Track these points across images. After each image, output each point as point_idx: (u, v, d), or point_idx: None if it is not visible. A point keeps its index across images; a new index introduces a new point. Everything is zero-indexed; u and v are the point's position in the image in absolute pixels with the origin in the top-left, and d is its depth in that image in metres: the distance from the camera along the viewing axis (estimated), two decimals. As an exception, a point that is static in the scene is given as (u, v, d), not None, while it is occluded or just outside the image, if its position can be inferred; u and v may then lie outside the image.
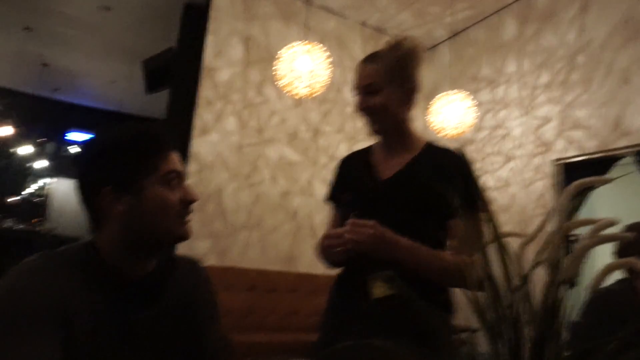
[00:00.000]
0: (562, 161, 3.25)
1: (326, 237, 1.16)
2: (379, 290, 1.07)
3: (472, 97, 3.49)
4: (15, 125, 6.62)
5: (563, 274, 0.51)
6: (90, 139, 0.91)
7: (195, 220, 3.30)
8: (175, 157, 0.88)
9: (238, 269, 3.37)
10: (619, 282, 1.57)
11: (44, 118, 7.44)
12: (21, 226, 6.34)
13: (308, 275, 3.62)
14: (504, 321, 0.51)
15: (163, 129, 0.91)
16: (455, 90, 3.27)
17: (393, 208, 1.16)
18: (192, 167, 3.37)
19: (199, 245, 3.31)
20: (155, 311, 0.88)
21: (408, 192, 1.16)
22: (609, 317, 1.29)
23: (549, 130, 3.37)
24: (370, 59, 1.24)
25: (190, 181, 3.34)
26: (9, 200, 8.99)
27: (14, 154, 8.17)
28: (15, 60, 6.31)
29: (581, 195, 0.55)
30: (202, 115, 3.46)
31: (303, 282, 3.58)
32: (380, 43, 4.30)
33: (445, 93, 3.25)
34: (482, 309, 0.53)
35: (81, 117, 7.88)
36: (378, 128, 1.25)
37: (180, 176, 0.88)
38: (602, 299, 1.46)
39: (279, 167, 3.68)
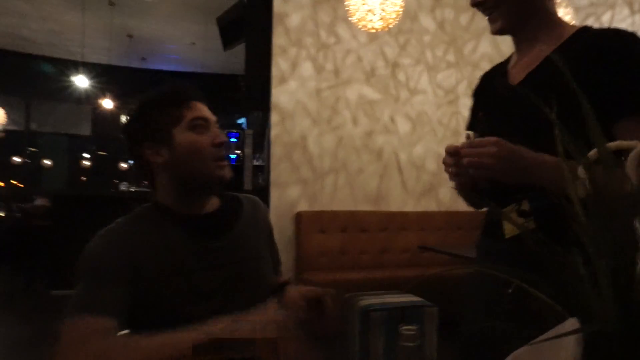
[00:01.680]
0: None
1: (443, 160, 0.90)
2: (510, 228, 0.91)
3: (567, 3, 3.07)
4: (114, 98, 7.21)
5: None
6: (132, 105, 1.02)
7: (283, 168, 3.42)
8: (200, 105, 0.97)
9: (329, 212, 3.46)
10: None
11: (136, 87, 8.00)
12: (133, 189, 7.06)
13: (397, 213, 3.61)
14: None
15: (186, 84, 1.00)
16: None
17: (528, 118, 0.88)
18: (274, 118, 3.44)
19: (290, 192, 3.43)
20: (227, 241, 0.98)
21: (545, 95, 0.78)
22: None
23: (669, 29, 2.88)
24: None
25: (273, 132, 3.42)
26: (121, 166, 9.99)
27: (119, 123, 8.97)
28: (104, 36, 6.77)
29: None
30: (279, 64, 3.46)
31: (393, 220, 3.59)
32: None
33: None
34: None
35: (168, 82, 8.34)
36: (503, 24, 0.97)
37: (207, 122, 0.96)
38: None
39: (360, 107, 3.62)
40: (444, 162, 0.89)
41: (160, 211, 0.97)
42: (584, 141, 0.48)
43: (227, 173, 0.96)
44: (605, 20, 3.30)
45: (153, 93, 0.99)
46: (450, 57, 3.79)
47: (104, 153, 10.02)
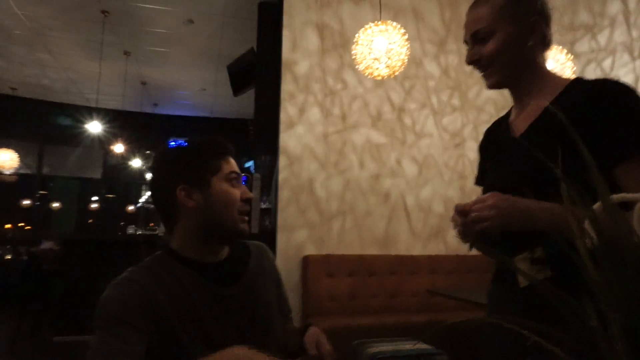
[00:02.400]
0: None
1: (454, 216, 0.96)
2: (524, 277, 0.93)
3: (567, 50, 3.16)
4: (125, 142, 7.37)
5: None
6: (164, 148, 1.06)
7: (290, 212, 3.44)
8: (233, 160, 1.04)
9: (337, 256, 3.44)
10: None
11: (148, 132, 8.19)
12: (140, 232, 7.08)
13: (406, 256, 3.58)
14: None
15: (223, 137, 1.06)
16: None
17: (533, 168, 0.91)
18: (282, 162, 3.49)
19: (297, 236, 3.42)
20: (237, 289, 1.01)
21: (548, 145, 0.86)
22: None
23: (669, 74, 2.94)
24: (478, 1, 1.06)
25: (281, 175, 3.46)
26: (129, 208, 10.06)
27: (129, 167, 9.12)
28: (119, 83, 7.02)
29: None
30: (287, 110, 3.56)
31: (401, 263, 3.54)
32: (458, 9, 4.05)
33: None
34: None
35: (179, 127, 8.54)
36: (497, 79, 1.04)
37: (239, 177, 1.03)
38: None
39: (366, 151, 3.67)
40: (453, 221, 0.94)
41: (174, 258, 0.99)
42: (588, 188, 0.50)
43: (247, 228, 1.02)
44: (606, 65, 3.38)
45: (195, 141, 1.04)
46: (455, 101, 3.88)
47: (112, 196, 10.13)
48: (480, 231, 0.88)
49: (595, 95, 0.93)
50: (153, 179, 1.04)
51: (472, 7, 1.07)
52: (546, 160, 0.56)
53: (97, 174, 9.57)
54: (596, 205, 0.52)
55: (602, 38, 3.43)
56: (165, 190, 1.00)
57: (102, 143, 7.44)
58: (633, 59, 3.19)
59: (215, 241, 1.01)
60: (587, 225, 0.50)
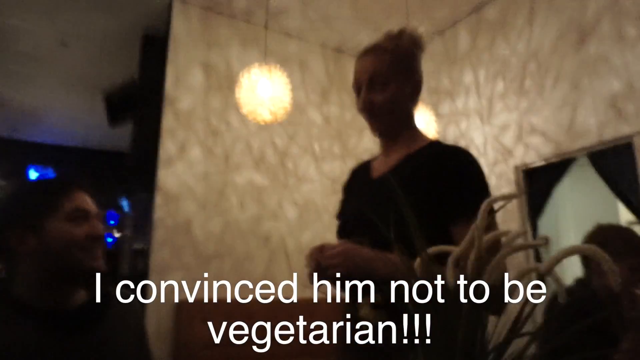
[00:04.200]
0: (524, 167, 3.34)
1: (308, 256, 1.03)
2: (367, 317, 1.00)
3: (433, 111, 3.56)
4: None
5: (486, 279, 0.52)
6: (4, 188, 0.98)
7: (165, 253, 3.23)
8: (81, 195, 0.96)
9: (213, 302, 3.29)
10: (577, 283, 1.56)
11: (3, 159, 7.19)
12: None
13: (285, 301, 3.56)
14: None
15: (73, 172, 0.98)
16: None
17: (384, 208, 0.97)
18: (159, 200, 3.30)
19: (170, 279, 3.22)
20: (90, 340, 0.92)
21: (399, 190, 0.97)
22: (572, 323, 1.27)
23: (508, 138, 3.46)
24: (371, 50, 1.12)
25: (157, 214, 3.27)
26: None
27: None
28: (-31, 102, 6.11)
29: (491, 212, 0.57)
30: (166, 146, 3.41)
31: (281, 307, 3.51)
32: (341, 63, 4.33)
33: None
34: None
35: (43, 155, 7.65)
36: (384, 129, 1.12)
37: (87, 213, 0.94)
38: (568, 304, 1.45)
39: (248, 193, 3.65)
40: (309, 264, 1.00)
41: (10, 306, 0.87)
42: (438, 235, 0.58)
43: (101, 266, 0.93)
44: (463, 127, 3.87)
45: (33, 179, 0.94)
46: (336, 149, 4.09)
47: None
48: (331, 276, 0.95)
49: (441, 160, 1.05)
50: None
51: (367, 54, 1.12)
52: (381, 226, 0.63)
53: None
54: (416, 262, 0.59)
55: (460, 103, 3.94)
56: None
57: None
58: (482, 123, 3.70)
59: (63, 285, 0.92)
60: (415, 266, 0.57)
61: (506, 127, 3.49)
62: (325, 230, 3.85)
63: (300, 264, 3.84)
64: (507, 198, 0.57)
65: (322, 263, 0.94)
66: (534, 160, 3.25)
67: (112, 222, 4.99)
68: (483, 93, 3.72)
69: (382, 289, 0.96)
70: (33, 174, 7.84)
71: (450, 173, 1.02)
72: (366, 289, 0.99)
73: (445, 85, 4.11)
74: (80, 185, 0.96)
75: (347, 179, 1.32)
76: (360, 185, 1.21)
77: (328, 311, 3.63)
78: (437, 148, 1.11)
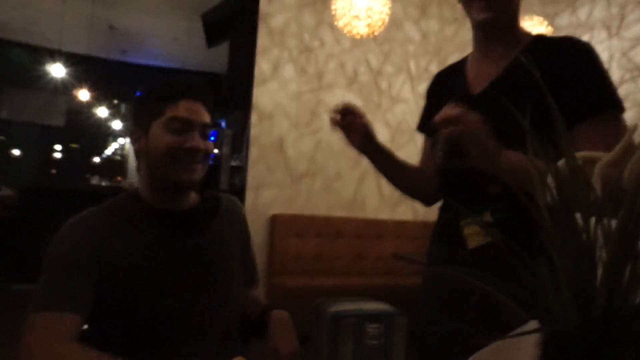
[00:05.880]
0: (657, 87, 2.88)
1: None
2: (474, 239, 0.92)
3: (548, 23, 3.15)
4: (91, 89, 7.04)
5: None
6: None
7: (259, 169, 3.38)
8: (188, 105, 0.92)
9: (305, 216, 3.44)
10: None
11: (115, 80, 7.84)
12: (104, 183, 6.89)
13: (373, 220, 3.62)
14: (578, 244, 0.44)
15: (187, 80, 0.97)
16: (527, 17, 2.95)
17: (492, 129, 0.89)
18: (253, 118, 3.40)
19: (264, 194, 3.39)
20: (199, 240, 0.97)
21: (512, 102, 0.75)
22: None
23: (641, 53, 2.98)
24: None
25: (252, 132, 3.38)
26: (94, 160, 9.76)
27: (94, 116, 8.76)
28: (84, 26, 6.62)
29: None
30: (260, 65, 3.44)
31: (368, 227, 3.59)
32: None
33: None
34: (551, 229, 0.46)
35: (149, 77, 8.19)
36: (494, 15, 0.95)
37: (187, 124, 0.91)
38: None
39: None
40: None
41: (135, 202, 0.95)
42: (550, 146, 0.48)
43: (193, 178, 0.93)
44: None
45: (148, 83, 0.99)
46: (434, 68, 3.83)
47: (76, 146, 9.77)
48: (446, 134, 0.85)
49: (560, 53, 0.92)
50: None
51: None
52: (515, 112, 0.53)
53: (59, 121, 9.16)
54: (560, 162, 0.51)
55: (582, 13, 3.43)
56: (128, 131, 0.99)
57: (66, 88, 7.07)
58: (610, 36, 3.20)
59: (170, 188, 0.95)
60: (549, 180, 0.49)
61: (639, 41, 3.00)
62: (418, 153, 3.73)
63: (389, 186, 3.82)
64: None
65: (443, 116, 0.84)
66: (671, 80, 2.79)
67: (211, 138, 5.31)
68: (615, 0, 3.18)
69: (492, 208, 0.88)
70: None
71: (574, 67, 0.89)
72: (470, 207, 0.91)
73: (566, -6, 3.57)
74: (190, 94, 0.93)
75: (434, 85, 1.19)
76: (456, 101, 1.01)
77: (417, 231, 3.64)
78: (546, 41, 0.98)
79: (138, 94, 0.98)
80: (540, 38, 1.00)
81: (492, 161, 0.84)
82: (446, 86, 1.12)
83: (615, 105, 0.89)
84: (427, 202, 1.21)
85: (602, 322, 0.37)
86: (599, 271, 0.41)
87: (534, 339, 0.36)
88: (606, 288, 0.39)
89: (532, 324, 0.38)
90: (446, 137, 0.87)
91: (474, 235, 0.92)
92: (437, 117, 0.86)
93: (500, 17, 0.97)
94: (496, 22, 0.97)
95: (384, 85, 3.75)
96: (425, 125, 1.18)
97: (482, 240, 0.90)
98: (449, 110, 0.86)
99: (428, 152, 1.18)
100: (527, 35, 1.01)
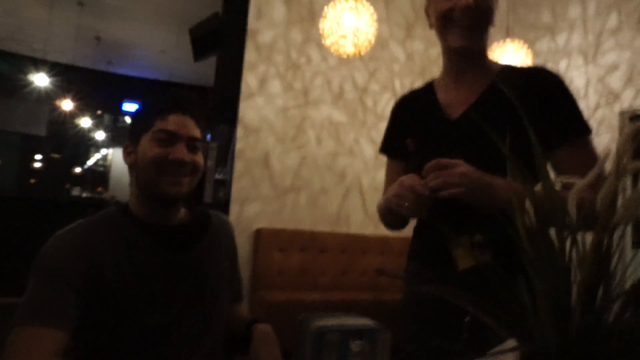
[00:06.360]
0: (631, 113, 2.99)
1: (395, 194, 0.90)
2: (465, 261, 0.90)
3: (528, 46, 3.26)
4: (75, 99, 6.96)
5: (619, 217, 0.45)
6: None
7: (244, 184, 3.38)
8: (176, 119, 0.93)
9: (289, 231, 3.44)
10: None
11: (100, 91, 7.77)
12: (85, 194, 6.78)
13: (358, 235, 3.64)
14: (552, 263, 0.47)
15: (178, 94, 0.98)
16: (509, 40, 3.05)
17: (473, 152, 0.90)
18: (239, 132, 3.42)
19: (249, 208, 3.39)
20: (189, 256, 0.97)
21: (489, 127, 0.77)
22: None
23: (615, 80, 3.10)
24: None
25: (238, 146, 3.39)
26: (75, 170, 9.59)
27: (77, 126, 8.64)
28: (70, 36, 6.58)
29: None
30: (247, 80, 3.47)
31: (353, 242, 3.60)
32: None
33: (499, 42, 3.05)
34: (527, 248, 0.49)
35: (134, 88, 8.15)
36: (469, 43, 0.98)
37: (173, 137, 0.93)
38: None
39: (325, 129, 3.65)
40: (399, 200, 0.89)
41: (125, 216, 0.95)
42: (528, 170, 0.51)
43: (177, 190, 0.93)
44: (562, 67, 3.51)
45: (148, 99, 1.01)
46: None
47: (57, 156, 9.60)
48: (439, 198, 0.84)
49: (532, 82, 0.95)
50: None
51: None
52: (495, 137, 0.56)
53: (41, 130, 8.99)
54: (537, 187, 0.54)
55: (561, 40, 3.56)
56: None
57: (49, 98, 6.98)
58: (586, 62, 3.33)
59: (157, 203, 0.96)
60: (527, 204, 0.51)
61: (614, 68, 3.12)
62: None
63: (374, 201, 3.86)
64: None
65: (438, 182, 0.84)
66: (645, 105, 2.90)
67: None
68: (591, 28, 3.31)
69: (484, 229, 0.88)
70: (127, 107, 8.40)
71: (546, 95, 0.94)
72: (458, 227, 0.88)
73: (545, 20, 3.71)
74: (179, 108, 0.94)
75: (400, 109, 1.18)
76: (432, 125, 1.05)
77: (401, 247, 3.67)
78: (519, 73, 1.02)
79: (139, 108, 1.03)
80: (510, 67, 1.04)
81: (493, 199, 0.83)
82: (418, 109, 1.12)
83: (586, 129, 0.95)
84: (402, 227, 1.18)
85: (579, 342, 0.39)
86: (574, 291, 0.44)
87: (512, 356, 0.38)
88: (580, 308, 0.42)
89: (511, 343, 0.40)
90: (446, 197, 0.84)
91: (463, 256, 0.92)
92: (435, 182, 0.84)
93: (473, 45, 1.00)
94: (470, 49, 1.00)
95: (369, 102, 3.81)
96: (390, 147, 1.18)
97: (473, 261, 0.89)
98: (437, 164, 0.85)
99: (395, 176, 1.17)
100: (496, 63, 1.06)
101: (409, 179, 0.88)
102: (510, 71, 1.03)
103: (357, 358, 0.65)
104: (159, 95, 0.98)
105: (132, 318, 0.86)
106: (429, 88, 1.13)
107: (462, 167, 0.85)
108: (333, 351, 1.00)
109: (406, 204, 0.88)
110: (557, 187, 0.55)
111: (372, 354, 0.68)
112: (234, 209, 3.34)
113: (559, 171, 0.94)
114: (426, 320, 0.99)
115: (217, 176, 5.53)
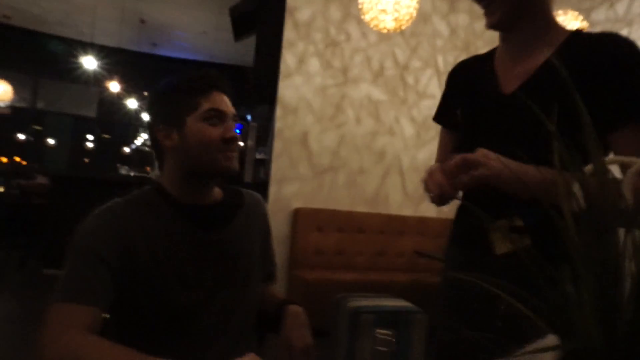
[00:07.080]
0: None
1: (427, 176, 0.86)
2: (503, 245, 0.86)
3: (583, 18, 3.03)
4: (121, 81, 7.19)
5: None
6: (154, 87, 1.03)
7: (282, 164, 3.40)
8: (219, 97, 0.96)
9: (327, 210, 3.44)
10: None
11: (145, 72, 7.99)
12: (133, 173, 7.06)
13: (396, 216, 3.59)
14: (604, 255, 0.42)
15: (214, 73, 0.98)
16: (561, 12, 2.85)
17: (522, 131, 0.85)
18: (278, 112, 3.41)
19: (287, 188, 3.40)
20: (221, 235, 0.98)
21: (544, 105, 0.66)
22: None
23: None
24: None
25: (277, 125, 3.40)
26: (124, 150, 10.00)
27: (125, 107, 8.97)
28: (116, 19, 6.76)
29: None
30: (286, 59, 3.44)
31: (391, 223, 3.56)
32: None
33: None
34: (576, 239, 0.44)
35: (177, 69, 8.32)
36: (499, 18, 0.90)
37: (222, 115, 0.95)
38: None
39: (364, 107, 3.58)
40: (433, 182, 0.84)
41: (160, 196, 0.96)
42: (579, 151, 0.46)
43: (234, 165, 0.96)
44: (619, 36, 3.26)
45: (177, 77, 0.99)
46: (461, 64, 3.76)
47: (107, 136, 10.02)
48: (470, 183, 0.79)
49: (599, 51, 0.84)
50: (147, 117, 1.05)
51: None
52: (541, 116, 0.51)
53: (91, 112, 9.41)
54: (588, 167, 0.49)
55: (620, 8, 3.28)
56: (151, 130, 0.99)
57: (97, 80, 7.25)
58: (649, 31, 3.06)
59: (200, 182, 0.97)
60: (575, 187, 0.46)
61: (682, 37, 2.85)
62: (442, 150, 3.68)
63: (414, 182, 3.80)
64: None
65: (463, 186, 0.80)
66: None
67: (237, 131, 5.37)
68: (656, -7, 3.04)
69: (524, 213, 0.83)
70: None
71: (613, 67, 0.82)
72: (497, 210, 0.85)
73: (603, -13, 3.43)
74: (219, 86, 0.96)
75: (456, 74, 1.09)
76: (485, 99, 0.98)
77: (440, 229, 3.59)
78: (584, 38, 0.89)
79: (163, 91, 0.99)
80: (577, 34, 0.91)
81: (524, 189, 0.79)
82: (473, 78, 1.04)
83: None
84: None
85: (628, 340, 0.35)
86: (627, 285, 0.39)
87: (552, 355, 0.35)
88: (634, 303, 0.37)
89: (551, 339, 0.37)
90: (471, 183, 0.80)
91: (501, 240, 0.87)
92: (452, 165, 0.80)
93: (508, 20, 0.90)
94: (508, 24, 0.91)
95: (410, 80, 3.70)
96: (444, 115, 1.10)
97: (511, 246, 0.85)
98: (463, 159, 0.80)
99: (447, 146, 1.10)
100: (562, 30, 0.93)
101: (438, 175, 0.83)
102: (575, 39, 0.90)
103: (382, 348, 0.62)
104: (192, 75, 0.97)
105: (164, 296, 0.88)
106: (489, 55, 1.03)
107: (492, 154, 0.78)
108: (368, 332, 0.97)
109: (432, 195, 0.85)
110: (614, 168, 0.49)
111: (403, 339, 0.66)
112: (273, 188, 3.37)
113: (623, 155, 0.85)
114: (460, 307, 0.95)
115: (258, 156, 5.61)
